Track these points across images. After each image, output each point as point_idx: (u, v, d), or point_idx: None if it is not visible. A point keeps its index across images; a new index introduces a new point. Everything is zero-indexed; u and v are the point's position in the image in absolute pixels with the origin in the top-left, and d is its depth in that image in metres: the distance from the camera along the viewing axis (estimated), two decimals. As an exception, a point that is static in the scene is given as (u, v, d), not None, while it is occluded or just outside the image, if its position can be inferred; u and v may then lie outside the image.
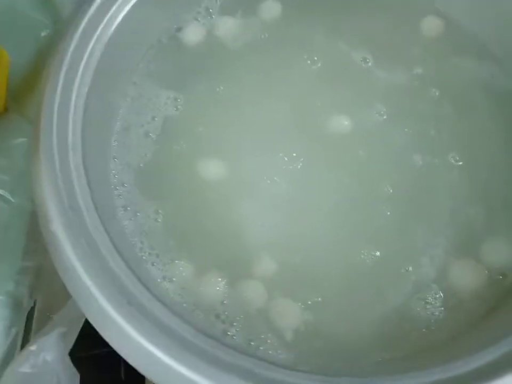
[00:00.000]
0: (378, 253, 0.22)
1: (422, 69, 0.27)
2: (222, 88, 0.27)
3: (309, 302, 0.21)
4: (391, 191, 0.23)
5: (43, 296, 0.25)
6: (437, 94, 0.26)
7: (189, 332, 0.17)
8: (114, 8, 0.24)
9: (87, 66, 0.22)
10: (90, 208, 0.19)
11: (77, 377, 0.20)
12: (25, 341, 0.24)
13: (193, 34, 0.28)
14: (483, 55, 0.27)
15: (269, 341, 0.20)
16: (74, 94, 0.21)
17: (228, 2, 0.29)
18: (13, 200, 0.24)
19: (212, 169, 0.25)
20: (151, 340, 0.16)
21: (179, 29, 0.28)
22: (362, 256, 0.22)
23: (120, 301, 0.17)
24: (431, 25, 0.28)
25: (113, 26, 0.24)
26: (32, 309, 0.25)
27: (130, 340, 0.16)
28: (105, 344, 0.17)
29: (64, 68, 0.21)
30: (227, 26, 0.28)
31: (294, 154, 0.25)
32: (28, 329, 0.24)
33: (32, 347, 0.19)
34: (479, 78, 0.27)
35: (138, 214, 0.24)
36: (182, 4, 0.28)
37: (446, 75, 0.27)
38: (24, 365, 0.19)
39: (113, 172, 0.24)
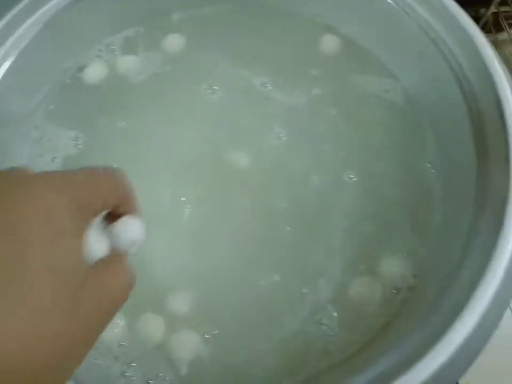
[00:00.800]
0: (277, 278, 0.23)
1: (320, 89, 0.28)
2: (123, 123, 0.27)
3: (207, 336, 0.21)
4: (290, 215, 0.24)
5: None
6: (334, 113, 0.27)
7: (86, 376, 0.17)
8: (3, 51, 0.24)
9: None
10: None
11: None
12: None
13: (95, 72, 0.28)
14: (380, 72, 0.28)
15: (167, 378, 0.21)
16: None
17: (130, 38, 0.30)
18: None
19: None
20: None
21: (81, 69, 0.28)
22: (261, 282, 0.23)
23: None
24: (329, 43, 0.29)
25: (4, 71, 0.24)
26: None
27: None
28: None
29: None
30: (129, 63, 0.29)
31: (193, 190, 0.25)
32: None
33: None
34: (375, 95, 0.28)
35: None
36: (82, 43, 0.28)
37: (343, 93, 0.28)
38: None
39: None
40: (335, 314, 0.22)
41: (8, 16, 0.24)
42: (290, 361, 0.21)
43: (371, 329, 0.22)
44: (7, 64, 0.24)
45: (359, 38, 0.29)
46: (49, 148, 0.26)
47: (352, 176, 0.25)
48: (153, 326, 0.22)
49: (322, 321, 0.22)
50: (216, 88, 0.28)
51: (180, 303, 0.22)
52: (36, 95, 0.27)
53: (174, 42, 0.30)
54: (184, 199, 0.25)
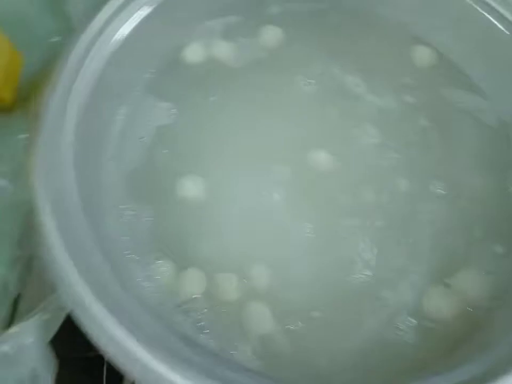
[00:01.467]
0: (360, 276, 0.23)
1: (411, 97, 0.28)
2: (215, 102, 0.28)
3: (281, 316, 0.22)
4: (377, 214, 0.24)
5: (29, 288, 0.26)
6: (425, 123, 0.27)
7: (165, 330, 0.18)
8: (115, 28, 0.25)
9: (90, 77, 0.24)
10: (80, 206, 0.20)
11: (52, 366, 0.21)
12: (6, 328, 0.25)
13: (193, 54, 0.30)
14: (471, 89, 0.29)
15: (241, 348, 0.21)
16: (77, 96, 0.23)
17: (230, 24, 0.31)
18: (11, 190, 0.25)
19: (192, 188, 0.26)
20: (131, 337, 0.17)
21: (180, 48, 0.30)
22: (346, 278, 0.23)
23: (104, 298, 0.18)
24: (422, 55, 0.30)
25: (116, 45, 0.25)
26: (17, 298, 0.26)
27: (111, 335, 0.17)
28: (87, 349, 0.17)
29: (66, 78, 0.23)
30: (227, 49, 0.30)
31: (278, 176, 0.26)
32: (10, 316, 0.25)
33: (14, 330, 0.20)
34: (467, 111, 0.28)
35: (127, 213, 0.25)
36: (186, 24, 0.30)
37: (434, 105, 0.28)
38: (3, 345, 0.20)
39: (105, 172, 0.26)
40: (413, 320, 0.22)
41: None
42: (365, 362, 0.21)
43: (448, 340, 0.22)
44: (125, 34, 0.26)
45: (453, 54, 0.30)
46: (146, 115, 0.28)
47: (439, 187, 0.25)
48: (230, 288, 0.23)
49: (400, 327, 0.22)
50: (312, 81, 0.29)
51: (259, 278, 0.23)
52: (140, 66, 0.29)
53: (271, 33, 0.31)
54: (265, 182, 0.26)
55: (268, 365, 0.21)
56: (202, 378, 0.16)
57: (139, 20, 0.27)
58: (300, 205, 0.25)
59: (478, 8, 0.27)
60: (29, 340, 0.20)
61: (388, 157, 0.26)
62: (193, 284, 0.23)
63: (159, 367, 0.16)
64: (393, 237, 0.24)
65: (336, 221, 0.25)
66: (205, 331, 0.22)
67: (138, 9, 0.26)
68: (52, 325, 0.22)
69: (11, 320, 0.25)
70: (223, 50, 0.30)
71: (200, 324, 0.22)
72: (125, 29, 0.26)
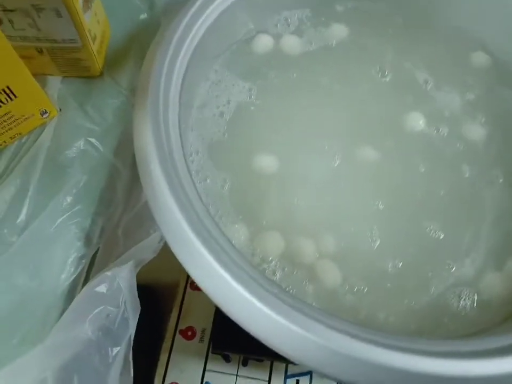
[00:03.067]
0: (430, 244, 0.25)
1: (473, 95, 0.30)
2: (295, 75, 0.30)
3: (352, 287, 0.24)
4: (442, 193, 0.26)
5: (104, 246, 0.28)
6: (485, 119, 0.29)
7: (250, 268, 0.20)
8: (212, 7, 0.27)
9: (188, 47, 0.26)
10: (182, 159, 0.22)
11: (138, 309, 0.23)
12: (87, 278, 0.26)
13: (260, 45, 0.31)
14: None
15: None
16: (177, 68, 0.24)
17: (301, 17, 0.33)
18: (101, 149, 0.27)
19: (267, 162, 0.27)
20: (228, 270, 0.18)
21: (258, 32, 0.32)
22: (411, 248, 0.25)
23: (204, 236, 0.19)
24: (479, 59, 0.32)
25: (210, 21, 0.27)
26: (96, 252, 0.27)
27: (210, 268, 0.19)
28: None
29: (171, 48, 0.25)
30: (296, 40, 0.32)
31: (343, 156, 0.28)
32: (89, 268, 0.27)
33: (109, 272, 0.22)
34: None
35: (208, 179, 0.27)
36: (266, 12, 0.32)
37: (494, 104, 0.30)
38: (100, 286, 0.21)
39: (190, 141, 0.28)
40: (474, 292, 0.24)
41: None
42: (427, 322, 0.23)
43: (499, 314, 0.23)
44: (214, 16, 0.28)
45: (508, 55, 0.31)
46: (226, 92, 0.30)
47: (499, 176, 0.27)
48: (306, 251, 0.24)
49: (461, 296, 0.23)
50: (386, 72, 0.31)
51: (328, 244, 0.25)
52: (222, 44, 0.31)
53: (339, 30, 0.33)
54: (329, 162, 0.28)
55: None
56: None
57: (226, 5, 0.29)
58: (365, 181, 0.27)
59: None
60: (123, 283, 0.22)
61: (452, 145, 0.28)
62: (270, 246, 0.24)
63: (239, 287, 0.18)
64: (460, 218, 0.26)
65: (401, 198, 0.26)
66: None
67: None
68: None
69: (87, 274, 0.26)
70: (292, 41, 0.32)
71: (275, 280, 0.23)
72: (214, 11, 0.28)
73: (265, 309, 0.18)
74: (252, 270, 0.19)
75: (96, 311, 0.21)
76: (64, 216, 0.25)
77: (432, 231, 0.26)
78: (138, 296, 0.24)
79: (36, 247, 0.24)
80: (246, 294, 0.18)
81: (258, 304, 0.18)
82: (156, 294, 0.39)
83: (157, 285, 0.38)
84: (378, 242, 0.25)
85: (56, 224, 0.24)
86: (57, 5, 0.24)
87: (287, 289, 0.24)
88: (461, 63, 0.32)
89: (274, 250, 0.24)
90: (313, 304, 0.23)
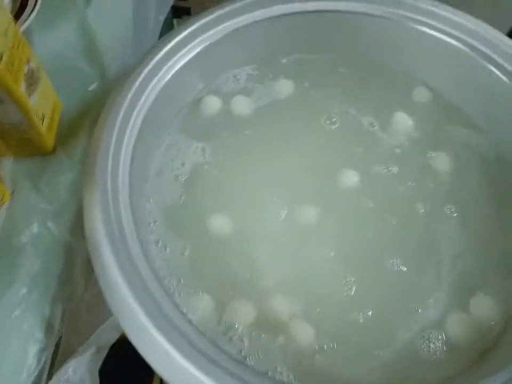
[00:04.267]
0: (388, 293, 0.25)
1: (418, 133, 0.31)
2: (246, 143, 0.31)
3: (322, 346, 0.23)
4: (399, 234, 0.27)
5: (68, 329, 0.27)
6: (433, 155, 0.30)
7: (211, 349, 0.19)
8: (163, 70, 0.28)
9: (137, 117, 0.26)
10: (135, 241, 0.22)
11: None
12: (51, 369, 0.25)
13: (210, 106, 0.32)
14: (469, 126, 0.32)
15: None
16: (125, 140, 0.25)
17: (250, 74, 0.34)
18: (55, 231, 0.27)
19: (220, 222, 0.27)
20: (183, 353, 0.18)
21: (209, 92, 0.33)
22: (376, 294, 0.25)
23: (164, 325, 0.19)
24: (421, 94, 0.33)
25: (160, 86, 0.28)
26: (59, 339, 0.26)
27: (164, 352, 0.18)
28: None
29: (119, 118, 0.25)
30: (246, 104, 0.32)
31: (305, 206, 0.28)
32: (55, 354, 0.26)
33: (70, 364, 0.21)
34: (468, 145, 0.31)
35: (167, 249, 0.26)
36: (217, 69, 0.33)
37: (439, 140, 0.31)
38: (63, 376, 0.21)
39: (148, 210, 0.27)
40: (443, 335, 0.24)
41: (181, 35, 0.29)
42: (397, 376, 0.23)
43: (469, 356, 0.23)
44: (163, 83, 0.28)
45: (449, 93, 0.33)
46: (180, 154, 0.30)
47: (452, 210, 0.28)
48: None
49: (430, 339, 0.24)
50: (334, 120, 0.32)
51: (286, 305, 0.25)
52: (174, 108, 0.31)
53: (285, 85, 0.34)
54: (289, 210, 0.28)
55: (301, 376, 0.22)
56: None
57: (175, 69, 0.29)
58: (325, 232, 0.27)
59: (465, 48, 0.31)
60: (84, 374, 0.21)
61: (403, 185, 0.29)
62: (240, 315, 0.24)
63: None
64: (418, 257, 0.26)
65: (362, 246, 0.27)
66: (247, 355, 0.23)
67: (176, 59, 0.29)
68: (100, 357, 0.23)
69: (53, 360, 0.25)
70: (241, 100, 0.33)
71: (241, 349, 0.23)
72: (163, 78, 0.29)
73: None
74: (207, 346, 0.19)
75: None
76: (21, 306, 0.24)
77: (395, 266, 0.26)
78: (123, 353, 0.24)
79: None
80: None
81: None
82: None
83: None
84: (350, 291, 0.25)
85: (13, 316, 0.24)
86: (-1, 94, 0.24)
87: (256, 355, 0.23)
88: (404, 102, 0.33)
89: (245, 319, 0.24)
90: (283, 367, 0.23)
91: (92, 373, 0.22)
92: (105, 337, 0.24)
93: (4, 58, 0.24)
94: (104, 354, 0.23)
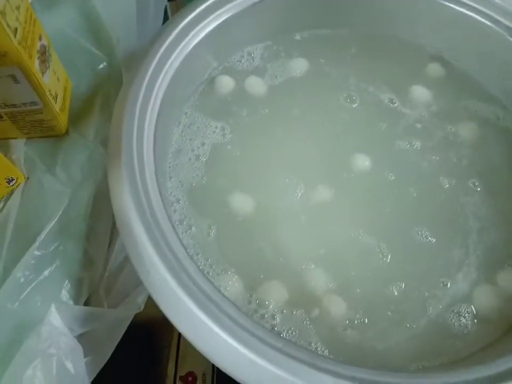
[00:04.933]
0: (419, 268, 0.25)
1: (437, 107, 0.31)
2: (266, 111, 0.30)
3: (354, 320, 0.23)
4: (425, 208, 0.27)
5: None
6: (453, 129, 0.30)
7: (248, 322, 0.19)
8: (178, 49, 0.27)
9: (156, 97, 0.25)
10: (165, 219, 0.21)
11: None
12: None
13: (224, 86, 0.31)
14: (488, 100, 0.32)
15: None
16: (147, 119, 0.24)
17: (267, 49, 0.33)
18: (70, 212, 0.26)
19: (243, 201, 0.27)
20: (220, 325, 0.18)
21: (223, 70, 0.32)
22: (406, 268, 0.25)
23: (200, 298, 0.19)
24: (438, 68, 0.33)
25: (176, 65, 0.27)
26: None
27: (207, 330, 0.18)
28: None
29: (140, 98, 0.24)
30: (260, 84, 0.32)
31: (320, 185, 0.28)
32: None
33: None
34: (487, 119, 0.31)
35: (193, 227, 0.26)
36: (231, 47, 0.32)
37: (457, 114, 0.31)
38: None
39: (169, 190, 0.27)
40: (472, 308, 0.24)
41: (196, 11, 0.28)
42: (429, 348, 0.23)
43: (498, 329, 0.24)
44: (180, 60, 0.28)
45: (467, 67, 0.33)
46: (199, 134, 0.29)
47: (476, 184, 0.28)
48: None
49: (460, 313, 0.24)
50: (354, 98, 0.31)
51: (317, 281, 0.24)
52: (189, 87, 0.30)
53: (299, 63, 0.33)
54: (307, 190, 0.28)
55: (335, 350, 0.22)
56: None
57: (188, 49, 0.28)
58: (347, 209, 0.27)
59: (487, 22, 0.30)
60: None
61: (427, 159, 0.29)
62: (273, 297, 0.24)
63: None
64: (446, 231, 0.26)
65: (389, 219, 0.27)
66: (280, 331, 0.23)
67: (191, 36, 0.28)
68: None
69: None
70: (258, 83, 0.32)
71: (274, 325, 0.23)
72: (178, 57, 0.28)
73: (250, 355, 0.18)
74: (241, 317, 0.19)
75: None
76: (42, 290, 0.24)
77: (423, 237, 0.26)
78: (136, 336, 0.23)
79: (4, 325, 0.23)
80: (232, 342, 0.18)
81: (242, 350, 0.18)
82: (153, 331, 0.38)
83: (154, 321, 0.37)
84: (382, 262, 0.25)
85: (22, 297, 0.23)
86: (13, 72, 0.23)
87: (289, 331, 0.23)
88: (420, 77, 0.33)
89: (276, 298, 0.24)
90: (317, 343, 0.23)
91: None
92: (125, 312, 0.24)
93: (18, 34, 0.23)
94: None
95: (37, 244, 0.25)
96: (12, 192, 0.27)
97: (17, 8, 0.23)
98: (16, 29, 0.23)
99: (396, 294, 0.24)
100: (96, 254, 0.27)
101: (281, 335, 0.23)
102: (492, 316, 0.24)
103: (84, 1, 0.36)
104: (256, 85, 0.32)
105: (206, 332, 0.18)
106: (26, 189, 0.27)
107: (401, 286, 0.24)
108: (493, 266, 0.25)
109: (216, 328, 0.18)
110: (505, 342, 0.22)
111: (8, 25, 0.22)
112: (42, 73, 0.25)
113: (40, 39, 0.26)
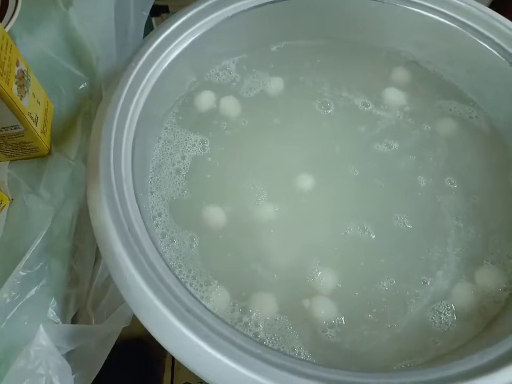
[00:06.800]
0: (400, 264, 0.26)
1: (410, 107, 0.32)
2: (246, 122, 0.31)
3: (336, 322, 0.24)
4: (406, 210, 0.27)
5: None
6: (429, 128, 0.31)
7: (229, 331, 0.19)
8: (154, 65, 0.28)
9: (133, 114, 0.26)
10: (144, 233, 0.22)
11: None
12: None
13: (203, 103, 0.32)
14: (462, 100, 0.32)
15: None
16: (125, 136, 0.25)
17: (241, 62, 0.34)
18: (55, 231, 0.26)
19: (223, 214, 0.27)
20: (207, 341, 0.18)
21: (202, 84, 0.33)
22: (388, 265, 0.26)
23: (179, 309, 0.19)
24: (410, 71, 0.34)
25: (153, 81, 0.28)
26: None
27: (187, 341, 0.18)
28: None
29: (117, 116, 0.25)
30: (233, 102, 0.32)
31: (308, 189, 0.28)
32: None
33: None
34: (461, 117, 0.32)
35: (175, 240, 0.26)
36: (208, 61, 0.33)
37: (432, 114, 0.32)
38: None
39: (151, 204, 0.27)
40: (452, 306, 0.24)
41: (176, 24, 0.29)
42: (412, 347, 0.23)
43: (478, 325, 0.24)
44: (157, 76, 0.28)
45: (440, 67, 0.33)
46: (179, 148, 0.30)
47: (453, 182, 0.29)
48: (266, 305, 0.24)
49: (440, 310, 0.24)
50: (329, 105, 0.32)
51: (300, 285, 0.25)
52: (168, 102, 0.31)
53: (275, 80, 0.34)
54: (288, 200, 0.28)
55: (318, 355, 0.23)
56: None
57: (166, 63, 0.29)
58: (329, 212, 0.28)
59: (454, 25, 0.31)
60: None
61: (404, 159, 0.30)
62: (253, 302, 0.24)
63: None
64: (426, 230, 0.27)
65: (370, 214, 0.27)
66: (263, 338, 0.23)
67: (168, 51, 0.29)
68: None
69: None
70: (234, 103, 0.32)
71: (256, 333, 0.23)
72: (156, 72, 0.28)
73: (230, 363, 0.18)
74: (220, 325, 0.19)
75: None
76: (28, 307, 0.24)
77: (405, 237, 0.27)
78: (130, 351, 0.24)
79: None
80: (211, 350, 0.18)
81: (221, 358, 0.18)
82: (149, 342, 0.38)
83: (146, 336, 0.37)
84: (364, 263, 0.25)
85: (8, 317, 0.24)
86: (-9, 97, 0.24)
87: (272, 337, 0.23)
88: (394, 80, 0.34)
89: (259, 306, 0.24)
90: (300, 347, 0.23)
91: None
92: (111, 327, 0.25)
93: (-6, 60, 0.24)
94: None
95: (22, 263, 0.25)
96: (-4, 215, 0.27)
97: (-7, 35, 0.24)
98: (-9, 56, 0.23)
99: (378, 295, 0.25)
100: (82, 271, 0.27)
101: (265, 342, 0.23)
102: (471, 312, 0.24)
103: (64, 22, 0.36)
104: (231, 105, 0.32)
105: (185, 342, 0.18)
106: (11, 210, 0.28)
107: (383, 285, 0.25)
108: (471, 263, 0.26)
109: (194, 338, 0.18)
110: (485, 337, 0.23)
111: (-17, 53, 0.22)
112: (21, 98, 0.26)
113: (17, 64, 0.26)
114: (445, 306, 0.24)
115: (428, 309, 0.24)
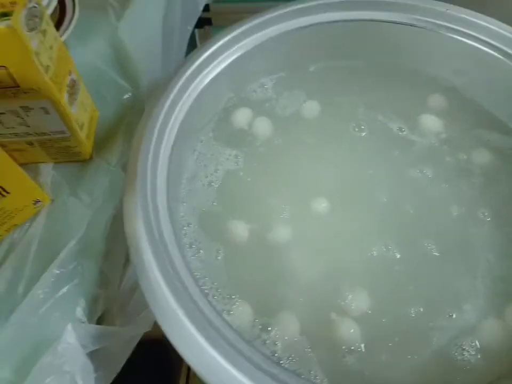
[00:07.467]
0: (427, 298, 0.25)
1: (446, 134, 0.32)
2: (280, 140, 0.31)
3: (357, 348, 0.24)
4: (436, 240, 0.27)
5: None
6: (465, 157, 0.30)
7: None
8: (195, 82, 0.29)
9: (172, 128, 0.27)
10: (173, 243, 0.23)
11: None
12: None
13: (239, 120, 0.33)
14: (500, 130, 0.32)
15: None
16: (162, 148, 0.26)
17: (280, 80, 0.35)
18: (91, 234, 0.28)
19: (248, 230, 0.28)
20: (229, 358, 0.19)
21: (239, 100, 0.34)
22: (413, 300, 0.25)
23: (200, 321, 0.20)
24: (448, 98, 0.33)
25: (193, 97, 0.29)
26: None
27: (204, 352, 0.19)
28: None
29: (157, 129, 0.26)
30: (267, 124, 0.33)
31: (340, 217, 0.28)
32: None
33: None
34: (499, 148, 0.31)
35: (201, 251, 0.27)
36: (244, 80, 0.34)
37: (469, 142, 0.31)
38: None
39: (182, 214, 0.28)
40: (476, 342, 0.24)
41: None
42: (430, 379, 0.23)
43: (504, 364, 0.23)
44: (197, 92, 0.29)
45: (479, 97, 0.33)
46: (213, 161, 0.31)
47: (486, 214, 0.28)
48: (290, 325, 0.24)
49: (463, 347, 0.23)
50: (363, 127, 0.32)
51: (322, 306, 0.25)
52: (205, 117, 0.32)
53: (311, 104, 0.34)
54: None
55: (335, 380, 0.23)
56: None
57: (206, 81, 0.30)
58: (360, 237, 0.28)
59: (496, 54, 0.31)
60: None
61: (438, 188, 0.29)
62: (274, 319, 0.24)
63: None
64: (454, 261, 0.26)
65: (402, 243, 0.27)
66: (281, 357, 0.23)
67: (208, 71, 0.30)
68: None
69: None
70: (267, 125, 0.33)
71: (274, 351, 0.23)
72: (195, 89, 0.29)
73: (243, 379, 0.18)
74: (238, 341, 0.20)
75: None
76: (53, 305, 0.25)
77: (434, 271, 0.26)
78: (149, 352, 0.24)
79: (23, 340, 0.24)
80: (226, 365, 0.19)
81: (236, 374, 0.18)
82: (165, 349, 0.39)
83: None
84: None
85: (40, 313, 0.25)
86: (44, 105, 0.26)
87: (289, 357, 0.23)
88: (431, 107, 0.33)
89: (280, 324, 0.24)
90: (317, 371, 0.23)
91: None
92: (135, 330, 0.25)
93: (50, 71, 0.25)
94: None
95: (57, 262, 0.26)
96: (37, 213, 0.29)
97: (51, 47, 0.26)
98: (48, 67, 0.25)
99: (403, 323, 0.24)
100: (112, 274, 0.28)
101: (281, 361, 0.23)
102: (498, 350, 0.23)
103: (114, 35, 0.39)
104: (265, 125, 0.33)
105: (202, 353, 0.19)
106: (51, 210, 0.29)
107: (411, 313, 0.24)
108: (501, 300, 0.25)
109: (212, 351, 0.19)
110: (508, 380, 0.22)
111: (41, 63, 0.24)
112: (71, 105, 0.28)
113: (70, 74, 0.28)
114: (469, 343, 0.24)
115: (452, 344, 0.24)
